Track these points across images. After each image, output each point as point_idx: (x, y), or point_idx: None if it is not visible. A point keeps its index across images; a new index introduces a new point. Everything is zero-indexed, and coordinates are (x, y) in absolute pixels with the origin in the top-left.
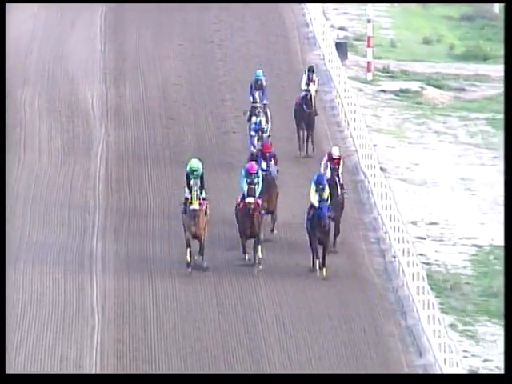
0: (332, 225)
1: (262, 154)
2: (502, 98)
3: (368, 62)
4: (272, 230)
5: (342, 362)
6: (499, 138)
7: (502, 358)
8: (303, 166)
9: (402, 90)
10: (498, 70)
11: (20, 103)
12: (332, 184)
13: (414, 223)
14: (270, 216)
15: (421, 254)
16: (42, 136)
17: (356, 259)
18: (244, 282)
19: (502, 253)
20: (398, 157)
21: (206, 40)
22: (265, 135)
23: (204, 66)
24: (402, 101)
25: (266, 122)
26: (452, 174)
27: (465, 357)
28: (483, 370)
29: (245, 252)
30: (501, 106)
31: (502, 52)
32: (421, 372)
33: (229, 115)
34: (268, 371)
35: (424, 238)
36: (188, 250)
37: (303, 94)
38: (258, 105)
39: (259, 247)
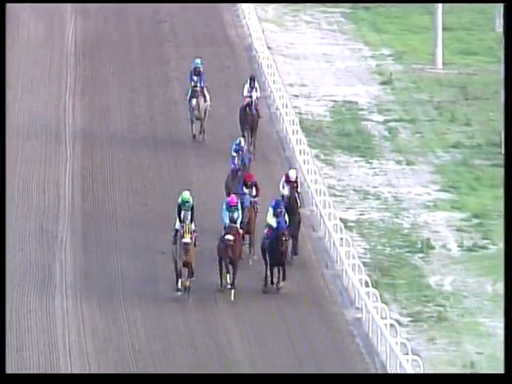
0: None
1: (244, 183)
2: None
3: None
4: (250, 253)
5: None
6: (349, 26)
7: (351, 178)
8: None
9: None
10: None
11: (15, 8)
12: (291, 202)
13: (290, 85)
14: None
15: (295, 107)
16: (30, 27)
17: None
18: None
19: (352, 106)
20: (279, 39)
21: None
22: (246, 159)
23: None
24: None
25: (205, 100)
26: (317, 51)
27: (325, 178)
28: (338, 186)
29: (221, 284)
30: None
31: None
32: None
33: (162, 10)
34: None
35: (297, 96)
36: (179, 280)
37: (246, 100)
38: (198, 88)
39: (233, 289)
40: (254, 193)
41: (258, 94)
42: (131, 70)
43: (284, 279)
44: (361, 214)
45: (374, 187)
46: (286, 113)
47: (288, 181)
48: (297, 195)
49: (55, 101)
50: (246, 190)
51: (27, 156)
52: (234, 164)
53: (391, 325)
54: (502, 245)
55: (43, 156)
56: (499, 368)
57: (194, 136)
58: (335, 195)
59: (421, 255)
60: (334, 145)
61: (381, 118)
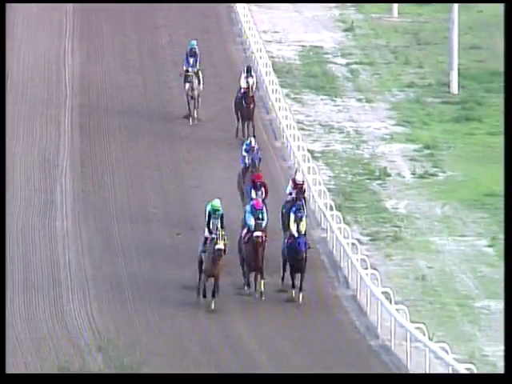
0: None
1: (253, 184)
2: None
3: None
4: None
5: None
6: None
7: (317, 114)
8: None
9: None
10: None
11: None
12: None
13: (264, 32)
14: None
15: (268, 51)
16: None
17: (227, 52)
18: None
19: (318, 50)
20: None
21: None
22: (256, 159)
23: None
24: None
25: (199, 83)
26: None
27: (294, 114)
28: (306, 121)
29: (248, 284)
30: None
31: None
32: (268, 123)
33: None
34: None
35: (270, 41)
36: (201, 291)
37: (242, 91)
38: (190, 71)
39: (262, 281)
40: (263, 195)
41: (255, 84)
42: (123, 19)
43: (301, 289)
44: (326, 146)
45: (338, 122)
46: (260, 56)
47: (295, 185)
48: (303, 201)
49: (56, 44)
50: (254, 194)
51: (31, 94)
52: (244, 163)
53: (352, 243)
54: (450, 172)
55: (45, 94)
56: (447, 280)
57: (193, 119)
58: (303, 129)
59: (379, 182)
60: (303, 85)
61: (343, 61)
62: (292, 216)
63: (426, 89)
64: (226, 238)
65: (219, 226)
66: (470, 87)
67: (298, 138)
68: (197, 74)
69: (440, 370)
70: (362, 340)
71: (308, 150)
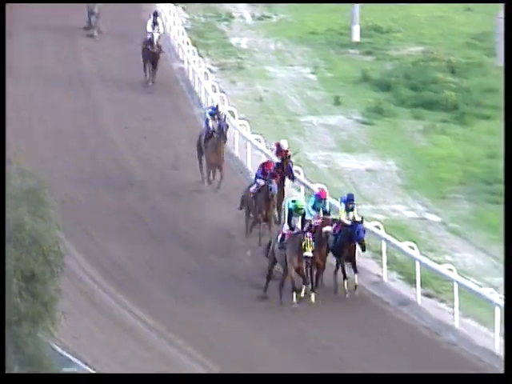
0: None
1: (263, 170)
2: None
3: None
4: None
5: None
6: None
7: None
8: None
9: None
10: None
11: None
12: (284, 171)
13: None
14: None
15: None
16: None
17: None
18: None
19: None
20: None
21: None
22: (223, 125)
23: None
24: None
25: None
26: None
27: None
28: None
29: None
30: None
31: None
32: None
33: None
34: None
35: None
36: (294, 292)
37: (149, 36)
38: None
39: (313, 294)
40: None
41: (161, 30)
42: None
43: (356, 271)
44: None
45: None
46: None
47: (279, 150)
48: (290, 164)
49: None
50: (262, 182)
51: None
52: (208, 126)
53: (205, 72)
54: (281, 15)
55: None
56: (279, 101)
57: (96, 31)
58: None
59: (225, 23)
60: None
61: None
62: (342, 205)
63: None
64: (312, 244)
65: (299, 224)
66: None
67: None
68: None
69: None
70: None
71: None
